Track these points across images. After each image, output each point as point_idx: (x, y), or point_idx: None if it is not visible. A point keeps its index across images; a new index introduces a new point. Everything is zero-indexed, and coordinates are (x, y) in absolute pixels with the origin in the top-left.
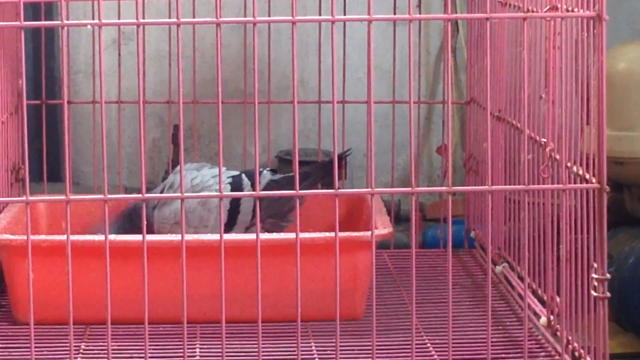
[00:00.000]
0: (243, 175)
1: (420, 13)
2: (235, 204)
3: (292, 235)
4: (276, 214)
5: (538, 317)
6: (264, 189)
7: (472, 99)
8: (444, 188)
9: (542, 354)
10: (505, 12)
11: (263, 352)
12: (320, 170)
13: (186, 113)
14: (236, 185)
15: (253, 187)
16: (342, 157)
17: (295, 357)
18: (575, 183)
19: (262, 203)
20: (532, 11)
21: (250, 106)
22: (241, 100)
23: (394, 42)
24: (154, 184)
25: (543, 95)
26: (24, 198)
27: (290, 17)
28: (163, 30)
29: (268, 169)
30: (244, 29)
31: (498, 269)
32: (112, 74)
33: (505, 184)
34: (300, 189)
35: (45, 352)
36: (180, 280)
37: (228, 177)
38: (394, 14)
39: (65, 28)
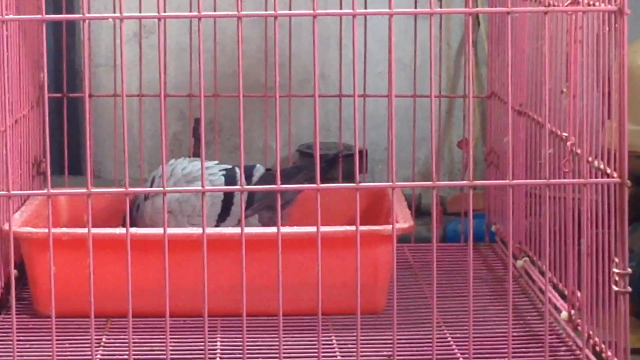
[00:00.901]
0: (236, 168)
1: (441, 7)
2: (229, 195)
3: (312, 229)
4: (271, 207)
5: (559, 311)
6: (258, 181)
7: (493, 93)
8: (465, 182)
9: (563, 348)
10: (526, 6)
11: (284, 345)
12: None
13: (207, 106)
14: (230, 177)
15: (247, 180)
16: (337, 158)
17: (316, 350)
18: (596, 177)
19: (258, 195)
20: (554, 5)
21: (271, 100)
22: (262, 93)
23: (414, 36)
24: None
25: (564, 90)
26: (45, 191)
27: (311, 11)
28: (184, 23)
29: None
30: (265, 22)
31: (519, 263)
32: (133, 67)
33: (526, 178)
34: (292, 183)
35: (66, 345)
36: (201, 273)
37: (221, 170)
38: (415, 7)
39: (87, 21)
